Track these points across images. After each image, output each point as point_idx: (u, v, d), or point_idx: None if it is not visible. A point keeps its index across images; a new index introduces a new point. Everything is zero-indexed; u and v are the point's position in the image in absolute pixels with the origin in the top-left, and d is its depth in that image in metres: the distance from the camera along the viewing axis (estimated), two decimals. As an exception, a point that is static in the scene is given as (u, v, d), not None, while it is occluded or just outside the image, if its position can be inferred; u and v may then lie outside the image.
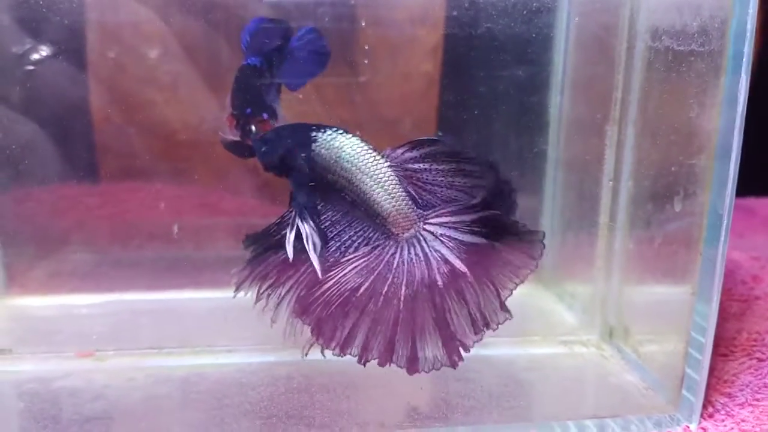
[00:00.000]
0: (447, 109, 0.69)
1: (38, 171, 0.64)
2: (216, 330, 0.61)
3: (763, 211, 1.11)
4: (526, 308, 0.70)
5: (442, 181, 0.49)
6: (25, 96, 0.62)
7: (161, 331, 0.61)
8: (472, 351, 0.60)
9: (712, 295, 0.49)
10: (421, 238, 0.48)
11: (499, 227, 0.48)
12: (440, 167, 0.49)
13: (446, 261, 0.47)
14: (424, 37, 0.69)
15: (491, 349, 0.61)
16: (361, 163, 0.48)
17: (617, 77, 0.59)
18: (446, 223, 0.48)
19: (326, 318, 0.48)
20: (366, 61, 0.66)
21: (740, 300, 0.74)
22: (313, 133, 0.48)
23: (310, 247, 0.47)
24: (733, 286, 0.77)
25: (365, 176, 0.48)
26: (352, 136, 0.49)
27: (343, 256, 0.48)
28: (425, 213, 0.48)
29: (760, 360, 0.60)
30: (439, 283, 0.47)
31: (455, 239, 0.48)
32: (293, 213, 0.48)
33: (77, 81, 0.65)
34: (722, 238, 0.48)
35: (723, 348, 0.62)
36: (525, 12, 0.61)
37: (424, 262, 0.48)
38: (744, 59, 0.46)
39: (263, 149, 0.49)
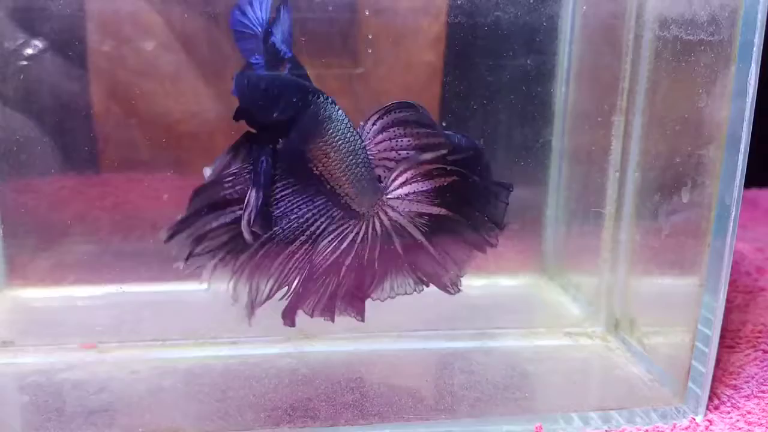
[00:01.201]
0: (450, 100, 0.68)
1: (39, 162, 0.64)
2: (219, 322, 0.60)
3: (765, 203, 1.11)
4: (530, 300, 0.70)
5: (408, 148, 0.49)
6: (26, 88, 0.62)
7: (164, 323, 0.61)
8: (477, 343, 0.61)
9: (720, 286, 0.49)
10: (383, 212, 0.49)
11: (459, 192, 0.50)
12: (408, 138, 0.49)
13: (407, 232, 0.49)
14: (426, 27, 0.69)
15: (496, 340, 0.61)
16: (340, 141, 0.47)
17: (624, 67, 0.59)
18: (406, 194, 0.49)
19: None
20: (369, 51, 0.65)
21: (745, 291, 0.74)
22: (311, 96, 0.46)
23: (245, 217, 0.46)
24: (737, 277, 0.77)
25: (341, 154, 0.47)
26: (339, 108, 0.47)
27: (302, 230, 0.48)
28: (387, 187, 0.49)
29: (765, 352, 0.60)
30: (400, 251, 0.50)
31: (414, 211, 0.49)
32: (249, 173, 0.46)
33: (77, 73, 0.64)
34: (730, 230, 0.48)
35: (728, 340, 0.62)
36: (531, 1, 0.61)
37: (385, 235, 0.49)
38: (754, 49, 0.45)
39: (254, 95, 0.45)
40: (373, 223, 0.49)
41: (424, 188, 0.49)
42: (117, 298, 0.64)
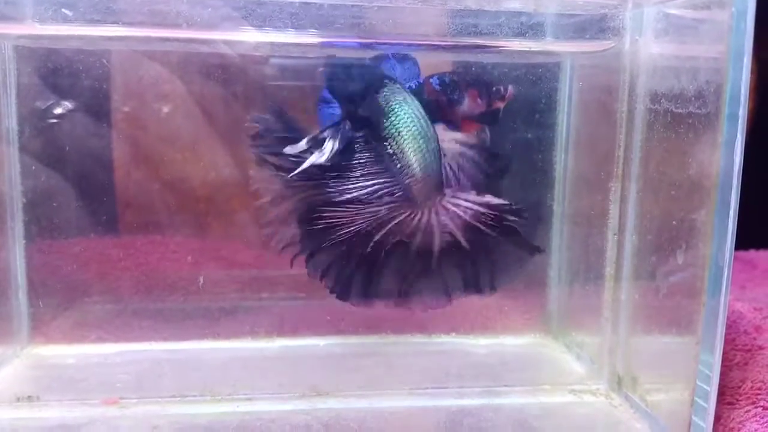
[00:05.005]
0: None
1: (65, 224, 0.67)
2: (236, 378, 0.62)
3: (763, 264, 1.13)
4: (536, 358, 0.72)
5: (478, 167, 0.55)
6: (53, 154, 0.66)
7: (183, 380, 0.63)
8: (485, 400, 0.62)
9: (715, 344, 0.51)
10: (436, 211, 0.54)
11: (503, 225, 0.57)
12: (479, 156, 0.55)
13: (451, 234, 0.54)
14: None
15: (503, 398, 0.62)
16: (410, 122, 0.52)
17: (619, 137, 0.62)
18: (461, 205, 0.54)
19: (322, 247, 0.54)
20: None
21: (744, 350, 0.75)
22: (385, 80, 0.54)
23: (324, 153, 0.52)
24: (736, 336, 0.78)
25: (411, 134, 0.52)
26: (413, 98, 0.54)
27: (363, 196, 0.53)
28: (450, 191, 0.54)
29: (764, 408, 0.61)
30: (436, 250, 0.54)
31: (463, 219, 0.54)
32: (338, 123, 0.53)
33: (101, 140, 0.68)
34: (723, 290, 0.50)
35: (728, 396, 0.63)
36: (532, 78, 0.65)
37: (430, 231, 0.54)
38: (739, 121, 0.48)
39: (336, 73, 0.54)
40: (426, 217, 0.53)
41: (477, 208, 0.54)
42: (137, 356, 0.66)
